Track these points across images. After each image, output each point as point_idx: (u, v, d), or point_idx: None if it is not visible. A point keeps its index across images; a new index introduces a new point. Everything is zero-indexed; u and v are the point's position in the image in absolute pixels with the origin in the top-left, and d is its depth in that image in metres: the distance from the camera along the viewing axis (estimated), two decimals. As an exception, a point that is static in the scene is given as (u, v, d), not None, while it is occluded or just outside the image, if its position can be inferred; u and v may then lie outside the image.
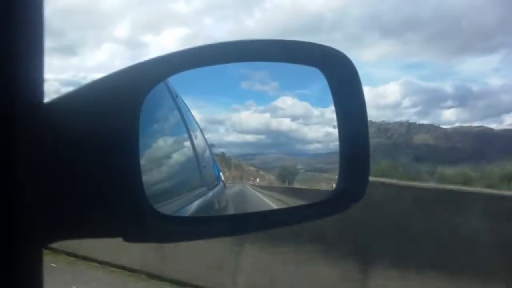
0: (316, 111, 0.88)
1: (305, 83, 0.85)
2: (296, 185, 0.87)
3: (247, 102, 0.84)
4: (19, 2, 0.48)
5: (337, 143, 0.83)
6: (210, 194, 1.03)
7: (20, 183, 0.49)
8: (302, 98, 0.86)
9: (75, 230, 0.58)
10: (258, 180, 0.87)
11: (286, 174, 0.89)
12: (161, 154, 0.82)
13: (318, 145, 0.88)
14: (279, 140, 0.88)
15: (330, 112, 0.85)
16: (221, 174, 1.00)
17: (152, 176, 0.72)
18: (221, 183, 1.03)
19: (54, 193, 0.54)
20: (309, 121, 0.87)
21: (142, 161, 0.61)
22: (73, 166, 0.56)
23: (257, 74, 0.82)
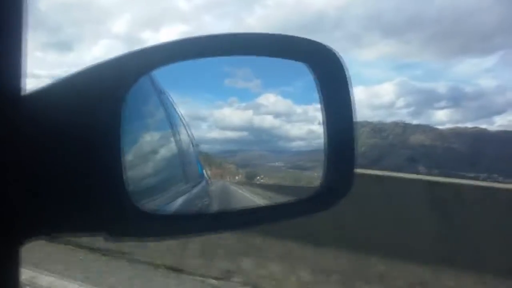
0: (299, 109, 0.88)
1: (288, 80, 0.85)
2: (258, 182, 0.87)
3: (230, 99, 0.83)
4: None
5: (320, 140, 0.82)
6: (194, 190, 1.03)
7: None
8: (285, 95, 0.86)
9: (55, 226, 0.58)
10: (237, 178, 0.87)
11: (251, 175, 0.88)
12: (145, 149, 0.81)
13: (300, 143, 0.88)
14: (261, 137, 0.88)
15: (313, 110, 0.85)
16: (204, 170, 0.99)
17: (135, 172, 0.71)
18: (204, 180, 1.02)
19: (33, 189, 0.54)
20: (291, 118, 0.87)
21: (125, 157, 0.60)
22: (53, 160, 0.55)
23: (240, 71, 0.81)
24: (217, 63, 0.75)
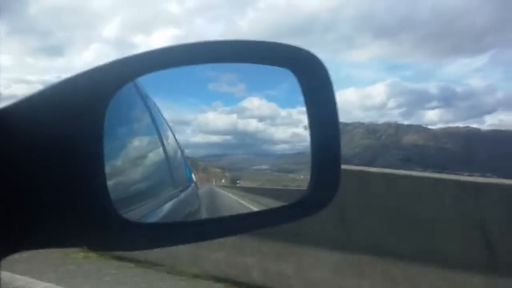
0: (283, 112, 0.88)
1: (272, 84, 0.85)
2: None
3: (214, 103, 0.83)
4: None
5: (304, 143, 0.82)
6: (182, 195, 1.02)
7: None
8: (269, 99, 0.86)
9: (37, 240, 0.57)
10: (223, 181, 0.87)
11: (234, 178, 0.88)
12: (132, 156, 0.81)
13: (285, 146, 0.88)
14: (245, 140, 0.88)
15: (297, 113, 0.85)
16: (193, 175, 0.99)
17: (121, 178, 0.71)
18: (192, 184, 1.02)
19: (12, 204, 0.53)
20: (276, 121, 0.87)
21: (110, 164, 0.60)
22: (33, 173, 0.54)
23: (224, 76, 0.81)
24: (201, 68, 0.75)
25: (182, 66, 0.68)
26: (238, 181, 0.85)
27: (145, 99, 0.90)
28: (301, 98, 0.82)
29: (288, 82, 0.80)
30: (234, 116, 0.83)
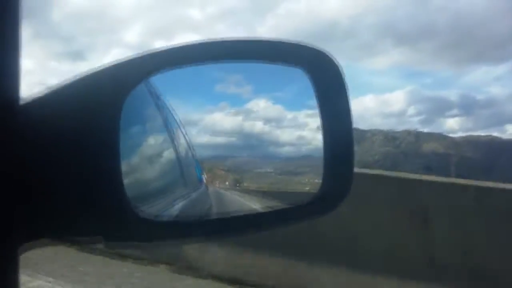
0: (289, 115, 0.87)
1: (279, 86, 0.85)
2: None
3: (220, 104, 0.83)
4: None
5: (310, 146, 0.82)
6: (194, 195, 1.02)
7: None
8: (276, 101, 0.85)
9: (54, 230, 0.58)
10: (227, 183, 0.86)
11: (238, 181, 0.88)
12: (144, 154, 0.82)
13: (290, 149, 0.87)
14: (251, 142, 0.88)
15: (304, 116, 0.84)
16: (203, 175, 0.99)
17: (134, 177, 0.72)
18: (203, 185, 1.02)
19: (32, 193, 0.54)
20: (282, 124, 0.86)
21: (124, 162, 0.61)
22: (52, 167, 0.56)
23: (232, 77, 0.81)
24: (209, 68, 0.75)
25: (200, 63, 0.69)
26: (241, 183, 0.85)
27: (157, 98, 0.90)
28: (308, 100, 0.81)
29: (297, 83, 0.80)
30: (240, 117, 0.83)
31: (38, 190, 0.55)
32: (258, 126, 0.85)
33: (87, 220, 0.58)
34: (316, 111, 0.77)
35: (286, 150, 0.87)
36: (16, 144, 0.51)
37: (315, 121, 0.77)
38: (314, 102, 0.77)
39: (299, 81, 0.78)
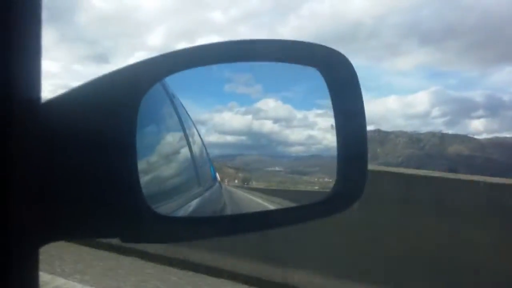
0: (299, 114, 0.88)
1: (288, 86, 0.85)
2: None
3: (230, 103, 0.84)
4: (16, 2, 0.49)
5: (319, 146, 0.82)
6: (207, 194, 1.03)
7: (17, 183, 0.49)
8: (285, 100, 0.86)
9: (72, 230, 0.59)
10: (236, 181, 0.87)
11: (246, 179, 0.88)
12: (159, 154, 0.83)
13: (299, 148, 0.87)
14: (260, 142, 0.88)
15: (314, 116, 0.85)
16: (217, 174, 1.00)
17: (150, 175, 0.73)
18: (217, 183, 1.03)
19: (51, 193, 0.55)
20: (291, 123, 0.87)
21: (140, 161, 0.62)
22: (71, 166, 0.57)
23: (241, 77, 0.82)
24: (219, 68, 0.76)
25: (215, 64, 0.69)
26: (250, 182, 0.85)
27: (171, 98, 0.92)
28: (318, 100, 0.81)
29: (306, 82, 0.80)
30: (250, 117, 0.84)
31: (56, 190, 0.55)
32: (268, 125, 0.85)
33: (105, 219, 0.59)
34: (326, 111, 0.77)
35: (296, 149, 0.87)
36: (36, 143, 0.52)
37: (325, 121, 0.77)
38: (324, 101, 0.78)
39: (309, 81, 0.78)
